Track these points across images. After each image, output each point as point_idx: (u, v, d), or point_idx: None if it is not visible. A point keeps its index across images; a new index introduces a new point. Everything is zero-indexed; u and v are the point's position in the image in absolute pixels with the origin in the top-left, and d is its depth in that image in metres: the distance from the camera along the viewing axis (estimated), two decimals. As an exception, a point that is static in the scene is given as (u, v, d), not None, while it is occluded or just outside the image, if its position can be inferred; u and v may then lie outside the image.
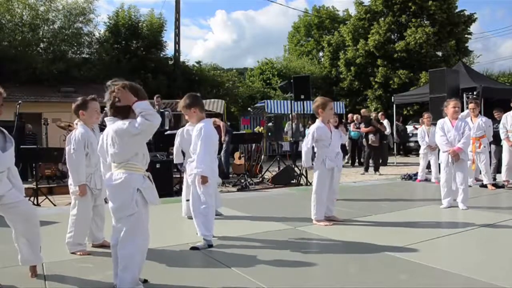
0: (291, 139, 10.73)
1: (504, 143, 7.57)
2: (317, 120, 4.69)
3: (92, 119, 3.66)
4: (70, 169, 3.52)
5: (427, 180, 8.22)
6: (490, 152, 7.80)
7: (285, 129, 12.90)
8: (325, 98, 4.75)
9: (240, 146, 10.61)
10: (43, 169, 8.37)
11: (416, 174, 8.88)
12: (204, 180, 3.65)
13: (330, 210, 4.75)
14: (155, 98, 9.91)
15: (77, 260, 3.40)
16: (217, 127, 10.03)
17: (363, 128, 11.40)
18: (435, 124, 8.34)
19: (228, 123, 17.32)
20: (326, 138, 4.57)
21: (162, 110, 9.63)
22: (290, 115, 12.27)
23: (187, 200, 3.90)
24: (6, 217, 2.90)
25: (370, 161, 10.79)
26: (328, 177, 4.62)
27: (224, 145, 9.42)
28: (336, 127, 5.32)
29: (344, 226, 4.52)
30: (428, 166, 8.40)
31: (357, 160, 13.59)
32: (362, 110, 12.36)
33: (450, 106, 5.53)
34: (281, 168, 9.34)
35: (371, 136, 10.69)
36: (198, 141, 3.72)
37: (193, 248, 3.61)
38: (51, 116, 11.14)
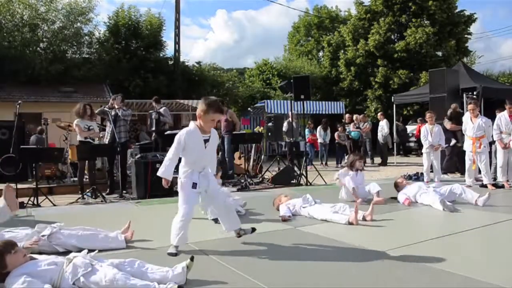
0: (292, 139, 10.66)
1: (498, 145, 7.55)
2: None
3: None
4: None
5: (432, 180, 7.94)
6: (490, 152, 7.79)
7: (283, 128, 12.71)
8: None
9: (240, 146, 10.60)
10: (43, 169, 8.38)
11: (416, 174, 8.86)
12: (165, 181, 3.61)
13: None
14: (152, 100, 9.88)
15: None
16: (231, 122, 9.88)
17: (450, 125, 9.20)
18: (438, 123, 8.34)
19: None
20: None
21: (151, 112, 9.62)
22: (289, 113, 12.15)
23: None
24: None
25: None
26: None
27: (226, 145, 9.39)
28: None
29: (344, 226, 4.52)
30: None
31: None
32: (453, 105, 9.66)
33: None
34: (281, 168, 9.35)
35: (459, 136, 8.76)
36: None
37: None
38: (51, 116, 11.17)
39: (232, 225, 3.77)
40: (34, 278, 2.55)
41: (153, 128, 9.42)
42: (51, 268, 2.62)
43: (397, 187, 6.10)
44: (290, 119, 11.93)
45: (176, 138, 3.57)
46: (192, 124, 3.61)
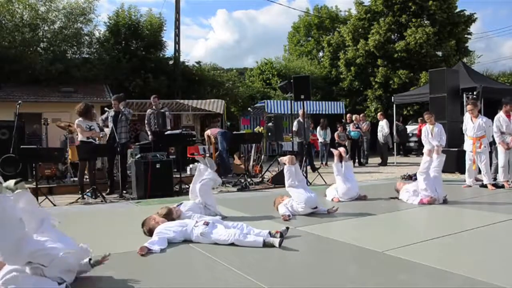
0: (303, 140, 10.19)
1: (499, 145, 7.54)
2: None
3: None
4: None
5: None
6: (490, 152, 7.78)
7: (293, 128, 11.85)
8: None
9: (240, 146, 10.60)
10: (43, 169, 8.37)
11: (416, 174, 8.83)
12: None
13: None
14: (151, 98, 9.89)
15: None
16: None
17: None
18: (439, 123, 8.33)
19: (228, 123, 17.33)
20: None
21: (163, 111, 9.60)
22: (299, 112, 11.84)
23: None
24: None
25: None
26: None
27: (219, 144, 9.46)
28: None
29: (344, 226, 4.53)
30: None
31: (357, 160, 13.60)
32: None
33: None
34: (281, 168, 9.33)
35: None
36: None
37: None
38: (51, 116, 11.17)
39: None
40: None
41: (168, 127, 9.48)
42: None
43: (397, 191, 6.18)
44: (300, 118, 11.65)
45: None
46: None
